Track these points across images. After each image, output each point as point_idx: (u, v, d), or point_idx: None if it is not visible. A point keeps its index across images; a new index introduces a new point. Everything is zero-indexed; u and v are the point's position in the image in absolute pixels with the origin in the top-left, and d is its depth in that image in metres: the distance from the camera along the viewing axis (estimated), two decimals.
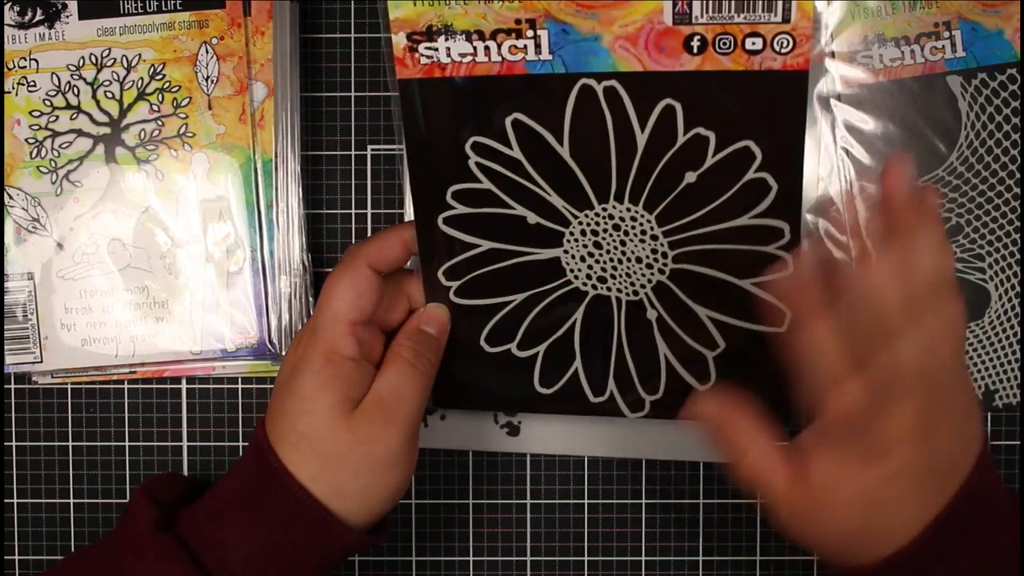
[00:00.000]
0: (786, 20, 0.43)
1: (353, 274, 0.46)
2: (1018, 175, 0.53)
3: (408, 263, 0.49)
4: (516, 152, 0.46)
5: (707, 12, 0.43)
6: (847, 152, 0.53)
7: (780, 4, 0.42)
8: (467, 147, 0.46)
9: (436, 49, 0.44)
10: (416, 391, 0.45)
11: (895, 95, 0.52)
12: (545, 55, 0.44)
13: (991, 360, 0.54)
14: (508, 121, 0.45)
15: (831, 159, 0.53)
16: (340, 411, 0.44)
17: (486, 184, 0.46)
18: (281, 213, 0.54)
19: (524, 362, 0.50)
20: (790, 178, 0.45)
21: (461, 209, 0.47)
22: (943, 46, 0.52)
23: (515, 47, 0.44)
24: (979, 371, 0.54)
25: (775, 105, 0.44)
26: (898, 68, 0.52)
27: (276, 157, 0.53)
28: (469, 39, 0.44)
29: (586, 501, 0.56)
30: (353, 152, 0.56)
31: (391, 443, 0.44)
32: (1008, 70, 0.52)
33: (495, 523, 0.57)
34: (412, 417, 0.45)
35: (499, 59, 0.44)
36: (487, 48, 0.44)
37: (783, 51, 0.43)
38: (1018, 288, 0.53)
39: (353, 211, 0.56)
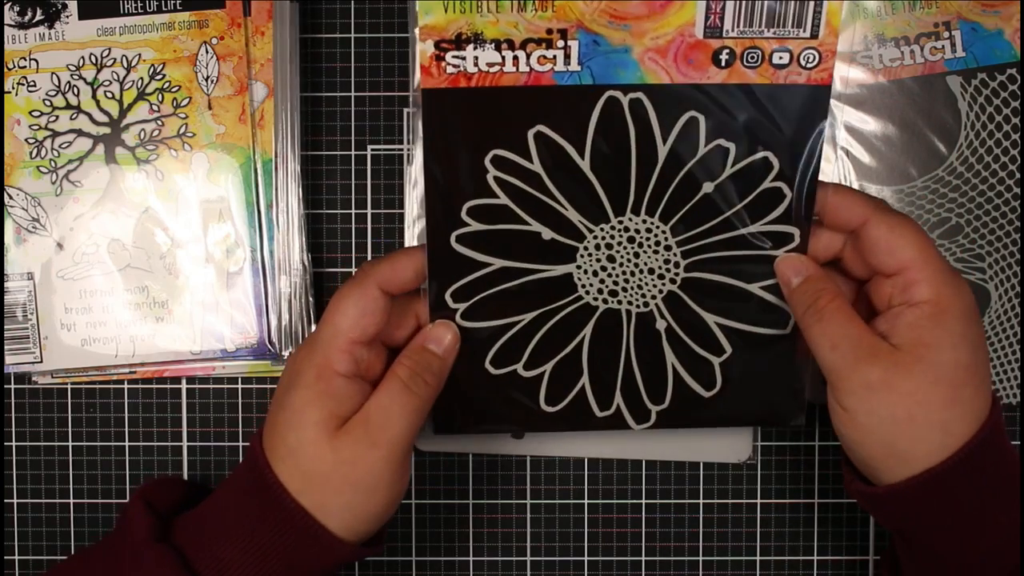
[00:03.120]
0: (814, 36, 0.43)
1: (360, 292, 0.45)
2: (1018, 175, 0.53)
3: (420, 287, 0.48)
4: (536, 166, 0.45)
5: (738, 26, 0.43)
6: (847, 152, 0.53)
7: (809, 20, 0.43)
8: (487, 161, 0.45)
9: (463, 58, 0.43)
10: (406, 414, 0.44)
11: (895, 95, 0.52)
12: (574, 66, 0.43)
13: (991, 360, 0.54)
14: (531, 134, 0.45)
15: (831, 159, 0.53)
16: (325, 428, 0.43)
17: (503, 199, 0.46)
18: (281, 213, 0.54)
19: (529, 381, 0.49)
20: (806, 186, 0.45)
21: (476, 226, 0.46)
22: (943, 46, 0.52)
23: (544, 57, 0.43)
24: None
25: (797, 118, 0.44)
26: (898, 68, 0.52)
27: (276, 157, 0.53)
28: (498, 48, 0.43)
29: (586, 501, 0.56)
30: (353, 152, 0.56)
31: (373, 466, 0.43)
32: (1008, 70, 0.52)
33: (495, 523, 0.57)
34: (399, 440, 0.44)
35: (527, 69, 0.43)
36: (516, 58, 0.43)
37: (808, 66, 0.43)
38: (1018, 288, 0.53)
39: (353, 211, 0.56)
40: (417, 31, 0.43)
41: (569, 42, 0.43)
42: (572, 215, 0.46)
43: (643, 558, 0.56)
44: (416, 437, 0.46)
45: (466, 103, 0.44)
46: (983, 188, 0.53)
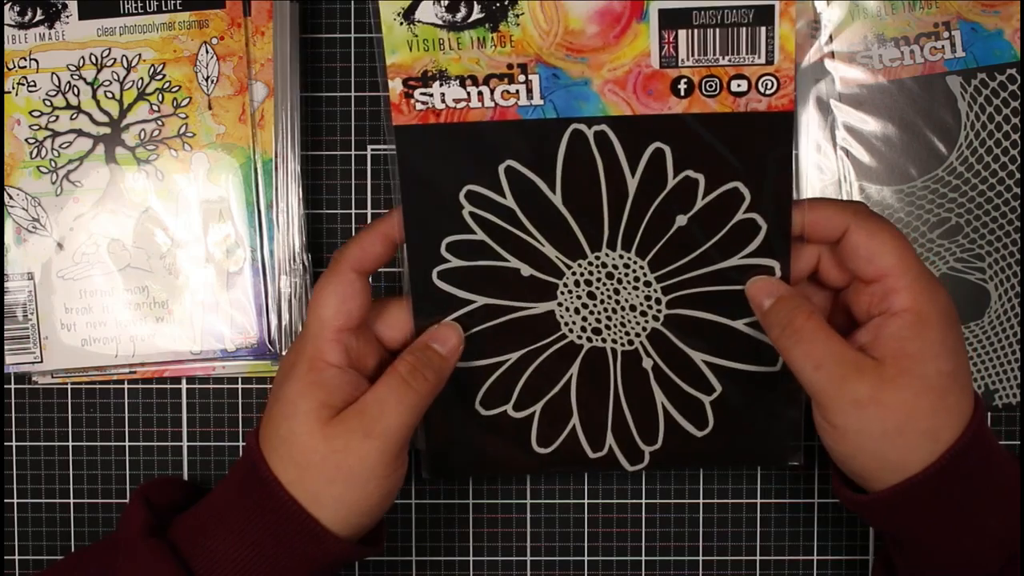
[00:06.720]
0: (769, 62, 0.43)
1: (337, 279, 0.45)
2: (1018, 175, 0.53)
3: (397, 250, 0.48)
4: (509, 201, 0.46)
5: (693, 55, 0.43)
6: (847, 152, 0.53)
7: (763, 46, 0.43)
8: (461, 196, 0.46)
9: (431, 95, 0.44)
10: (403, 408, 0.44)
11: (895, 95, 0.52)
12: (537, 100, 0.44)
13: (991, 360, 0.54)
14: (501, 168, 0.45)
15: (831, 160, 0.53)
16: (317, 418, 0.43)
17: (480, 235, 0.46)
18: (281, 213, 0.54)
19: (520, 423, 0.49)
20: (779, 216, 0.45)
21: (456, 263, 0.46)
22: (943, 46, 0.52)
23: (507, 92, 0.44)
24: (979, 371, 0.54)
25: (762, 146, 0.44)
26: (898, 68, 0.52)
27: (276, 157, 0.53)
28: (463, 84, 0.44)
29: (586, 501, 0.56)
30: (353, 152, 0.56)
31: (366, 457, 0.43)
32: (1008, 70, 0.52)
33: (495, 523, 0.57)
34: (394, 433, 0.44)
35: (492, 104, 0.44)
36: (480, 93, 0.44)
37: (767, 93, 0.43)
38: (1018, 288, 0.53)
39: (353, 211, 0.56)
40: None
41: (530, 76, 0.44)
42: (549, 251, 0.46)
43: (643, 558, 0.57)
44: (412, 435, 0.46)
45: (437, 139, 0.44)
46: (983, 188, 0.53)
